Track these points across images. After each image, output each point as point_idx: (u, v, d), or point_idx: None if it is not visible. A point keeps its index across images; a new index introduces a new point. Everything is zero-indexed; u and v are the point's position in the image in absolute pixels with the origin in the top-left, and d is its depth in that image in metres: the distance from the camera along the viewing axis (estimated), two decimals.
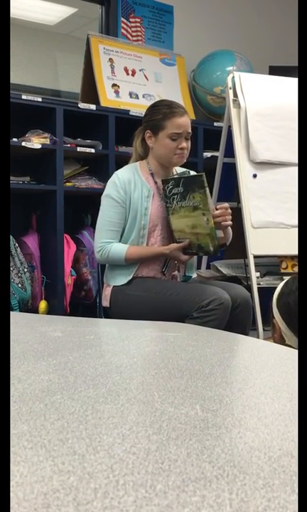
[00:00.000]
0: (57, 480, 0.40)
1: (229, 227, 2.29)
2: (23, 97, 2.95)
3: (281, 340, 1.54)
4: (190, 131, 2.25)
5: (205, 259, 3.30)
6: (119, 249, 2.21)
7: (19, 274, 2.90)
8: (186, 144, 2.25)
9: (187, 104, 3.71)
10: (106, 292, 2.32)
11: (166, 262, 2.29)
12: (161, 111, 2.24)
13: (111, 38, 3.63)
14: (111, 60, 3.50)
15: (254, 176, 2.96)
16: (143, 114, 2.30)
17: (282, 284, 1.59)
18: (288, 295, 1.51)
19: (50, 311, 3.01)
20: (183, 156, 2.28)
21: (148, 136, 2.27)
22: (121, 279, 2.27)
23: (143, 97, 3.57)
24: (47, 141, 2.98)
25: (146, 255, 2.24)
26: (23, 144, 2.91)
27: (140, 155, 2.38)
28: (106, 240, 2.23)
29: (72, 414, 0.54)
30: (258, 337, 2.65)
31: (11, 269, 2.88)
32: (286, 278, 1.72)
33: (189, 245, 2.20)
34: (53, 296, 3.04)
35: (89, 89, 3.43)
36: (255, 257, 2.86)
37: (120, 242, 2.26)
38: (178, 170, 2.44)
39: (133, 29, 3.85)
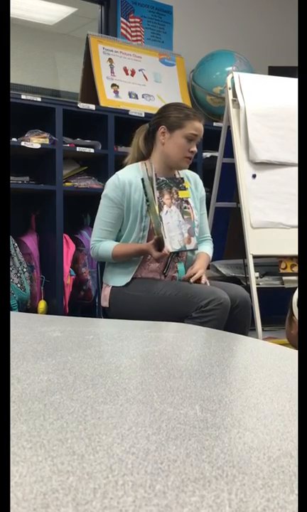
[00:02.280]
0: (57, 480, 0.39)
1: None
2: (23, 96, 2.95)
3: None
4: (201, 136, 2.30)
5: None
6: (107, 247, 2.25)
7: (18, 274, 2.90)
8: (195, 149, 2.29)
9: (187, 105, 3.71)
10: (106, 292, 2.32)
11: (167, 264, 2.28)
12: (184, 111, 2.27)
13: (111, 38, 3.63)
14: (110, 60, 3.50)
15: (254, 176, 2.97)
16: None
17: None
18: None
19: (49, 311, 3.01)
20: (190, 161, 2.31)
21: (161, 131, 2.27)
22: (120, 279, 2.27)
23: (143, 97, 3.57)
24: (47, 141, 2.98)
25: (130, 252, 2.24)
26: (23, 143, 2.90)
27: (142, 154, 2.37)
28: (97, 239, 2.29)
29: (71, 414, 0.54)
30: (257, 337, 2.65)
31: (10, 269, 2.88)
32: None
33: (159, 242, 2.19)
34: (52, 296, 3.03)
35: (89, 89, 3.43)
36: (254, 257, 2.86)
37: (120, 242, 2.28)
38: (183, 171, 2.44)
39: (132, 29, 3.85)
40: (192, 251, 2.35)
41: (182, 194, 2.29)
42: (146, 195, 2.18)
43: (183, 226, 2.25)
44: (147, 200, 2.18)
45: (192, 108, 2.36)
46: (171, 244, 2.20)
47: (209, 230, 2.61)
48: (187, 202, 2.29)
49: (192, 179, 2.42)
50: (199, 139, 2.29)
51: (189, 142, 2.25)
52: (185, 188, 2.30)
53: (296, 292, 1.69)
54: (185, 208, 2.28)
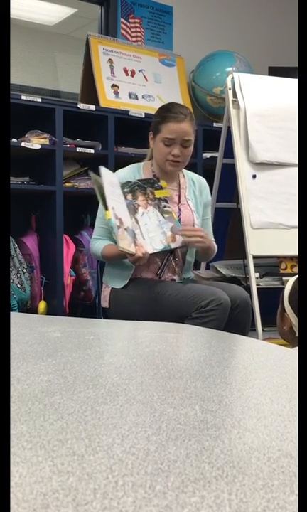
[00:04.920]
0: (57, 480, 0.39)
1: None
2: (23, 97, 2.95)
3: (291, 333, 1.69)
4: (187, 138, 2.18)
5: None
6: (98, 247, 2.26)
7: (18, 275, 2.90)
8: (179, 151, 2.19)
9: (187, 105, 3.71)
10: (106, 293, 2.32)
11: (162, 266, 2.28)
12: (161, 114, 2.22)
13: (111, 39, 3.63)
14: (110, 60, 3.50)
15: (254, 176, 2.97)
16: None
17: (293, 280, 1.70)
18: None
19: (49, 312, 3.01)
20: (177, 164, 2.23)
21: (150, 137, 2.27)
22: (118, 281, 2.27)
23: (143, 97, 3.57)
24: (47, 142, 2.98)
25: (113, 254, 2.19)
26: (23, 144, 2.90)
27: (151, 155, 2.37)
28: (95, 237, 2.31)
29: (71, 414, 0.54)
30: (257, 338, 2.65)
31: (10, 269, 2.88)
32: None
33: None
34: (52, 297, 3.03)
35: (89, 89, 3.43)
36: (254, 257, 2.86)
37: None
38: (189, 174, 2.41)
39: (132, 30, 3.85)
40: (192, 255, 2.35)
41: (158, 194, 2.26)
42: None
43: (164, 225, 2.22)
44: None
45: (172, 108, 2.23)
46: (152, 245, 2.17)
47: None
48: (166, 201, 2.26)
49: (198, 184, 2.39)
50: (182, 141, 2.17)
51: (168, 146, 2.19)
52: (161, 188, 2.27)
53: (287, 288, 1.72)
54: (164, 207, 2.25)
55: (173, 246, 2.21)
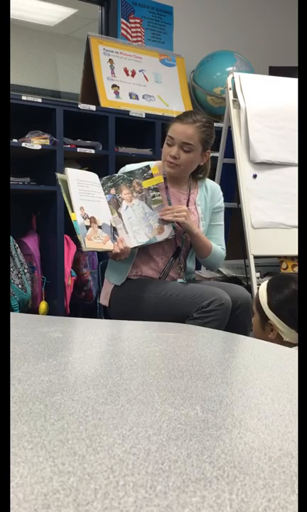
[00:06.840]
0: (57, 481, 0.39)
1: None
2: (23, 97, 2.95)
3: (278, 339, 1.67)
4: (186, 141, 2.15)
5: None
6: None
7: (19, 275, 2.90)
8: (176, 153, 2.16)
9: (187, 105, 3.71)
10: (107, 290, 2.31)
11: (164, 269, 2.27)
12: (176, 116, 2.25)
13: (111, 39, 3.63)
14: (111, 60, 3.50)
15: (254, 176, 2.97)
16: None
17: (264, 288, 1.67)
18: (289, 303, 1.61)
19: (50, 312, 3.01)
20: (172, 166, 2.20)
21: None
22: (119, 276, 2.26)
23: (143, 97, 3.57)
24: (47, 142, 2.98)
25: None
26: (23, 144, 2.91)
27: None
28: None
29: (72, 414, 0.54)
30: None
31: (11, 269, 2.88)
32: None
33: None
34: (53, 297, 3.03)
35: (89, 89, 3.43)
36: (255, 257, 2.86)
37: None
38: (204, 181, 2.38)
39: (132, 30, 3.85)
40: (192, 261, 2.34)
41: (148, 183, 2.20)
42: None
43: (151, 217, 2.18)
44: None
45: (189, 113, 2.26)
46: (136, 238, 2.15)
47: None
48: (156, 189, 2.21)
49: (211, 190, 2.37)
50: (181, 143, 2.16)
51: (169, 146, 2.20)
52: (151, 176, 2.21)
53: (262, 297, 1.69)
54: (153, 196, 2.20)
55: (159, 238, 2.18)
